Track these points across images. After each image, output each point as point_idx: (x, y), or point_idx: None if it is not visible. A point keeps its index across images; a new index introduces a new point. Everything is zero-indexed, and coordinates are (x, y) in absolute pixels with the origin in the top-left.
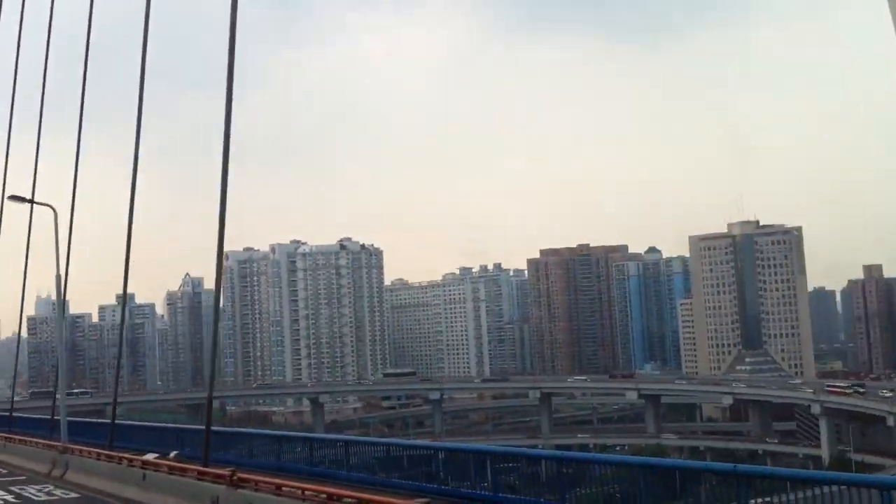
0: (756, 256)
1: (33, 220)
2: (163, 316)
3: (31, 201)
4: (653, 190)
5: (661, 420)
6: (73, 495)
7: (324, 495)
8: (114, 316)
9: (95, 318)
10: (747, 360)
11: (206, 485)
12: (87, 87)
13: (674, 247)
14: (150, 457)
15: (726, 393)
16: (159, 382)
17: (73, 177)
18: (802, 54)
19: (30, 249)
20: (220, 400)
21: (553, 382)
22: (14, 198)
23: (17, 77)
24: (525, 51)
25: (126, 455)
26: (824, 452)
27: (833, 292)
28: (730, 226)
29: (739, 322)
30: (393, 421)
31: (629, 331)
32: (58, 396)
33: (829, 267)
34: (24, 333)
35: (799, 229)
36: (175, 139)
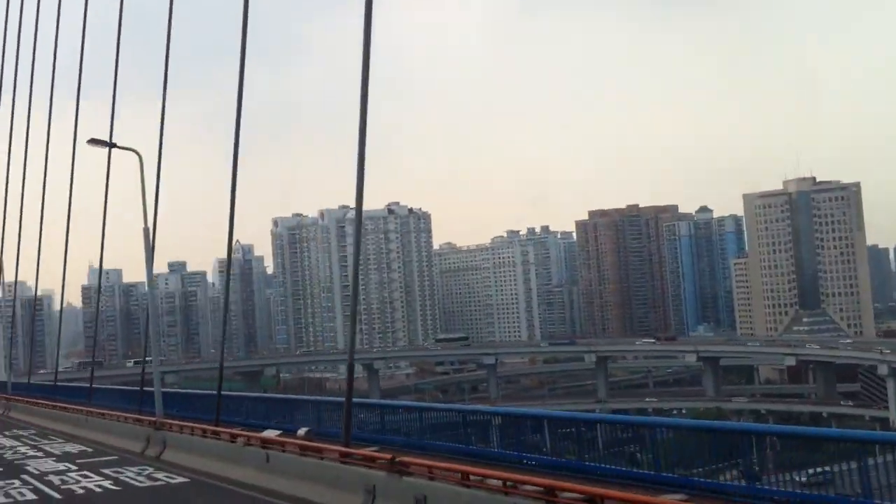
0: (813, 214)
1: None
2: (214, 284)
3: (113, 145)
4: (703, 149)
5: (720, 382)
6: (181, 479)
7: (538, 488)
8: (167, 284)
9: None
10: (805, 319)
11: (355, 470)
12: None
13: (725, 206)
14: (270, 434)
15: (788, 354)
16: (212, 350)
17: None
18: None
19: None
20: (274, 367)
21: (610, 346)
22: (95, 141)
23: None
24: (579, 11)
25: (240, 432)
26: (892, 414)
27: (886, 250)
28: (786, 183)
29: (796, 281)
30: (447, 386)
31: (681, 292)
32: (149, 361)
33: (882, 224)
34: (80, 303)
35: (857, 185)
36: (222, 106)
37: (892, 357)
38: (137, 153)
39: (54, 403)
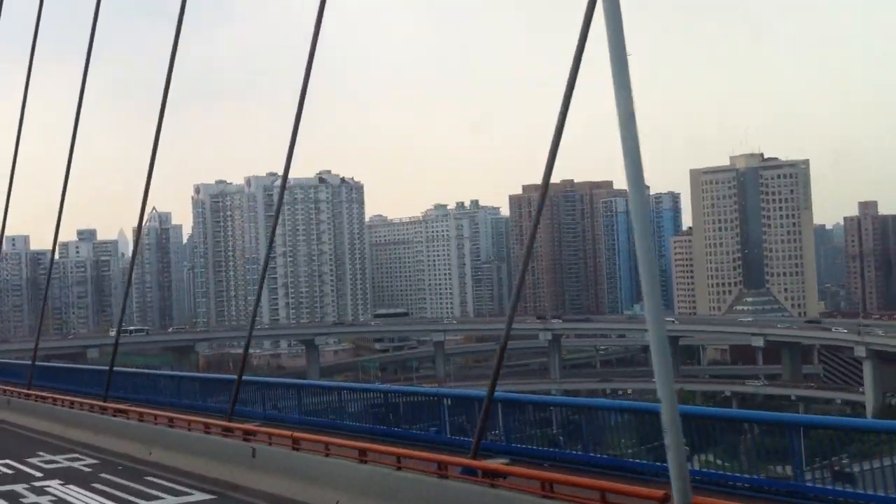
0: (760, 191)
1: None
2: (123, 254)
3: None
4: (642, 124)
5: (678, 363)
6: None
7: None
8: (77, 253)
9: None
10: (748, 299)
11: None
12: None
13: (666, 183)
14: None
15: (756, 334)
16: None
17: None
18: None
19: None
20: (206, 342)
21: (564, 325)
22: None
23: None
24: None
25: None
26: (868, 398)
27: (829, 230)
28: (733, 159)
29: (741, 260)
30: (386, 364)
31: (616, 270)
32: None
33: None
34: None
35: (806, 162)
36: (139, 70)
37: (870, 338)
38: None
39: None
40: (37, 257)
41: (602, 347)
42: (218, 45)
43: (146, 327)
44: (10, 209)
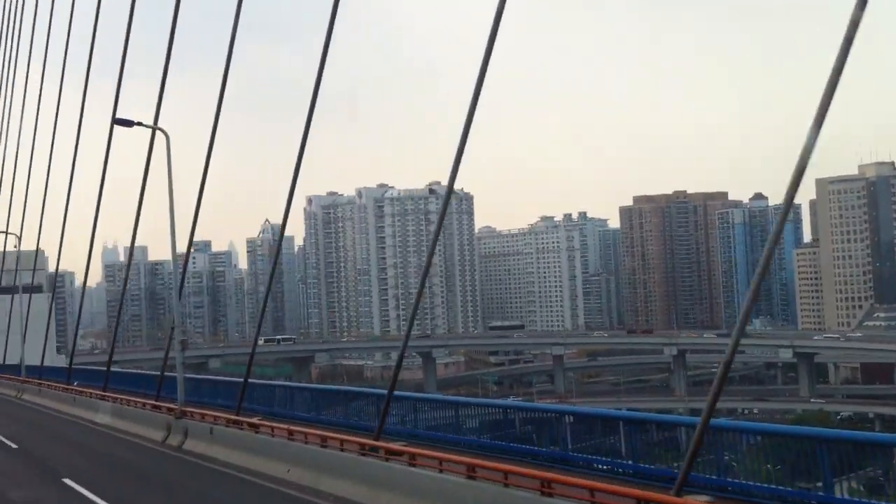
0: (893, 200)
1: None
2: (236, 265)
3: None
4: (754, 135)
5: (815, 381)
6: None
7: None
8: (194, 264)
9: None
10: (880, 314)
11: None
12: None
13: (780, 193)
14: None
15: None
16: (236, 334)
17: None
18: None
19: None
20: (326, 353)
21: (689, 339)
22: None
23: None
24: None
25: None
26: None
27: None
28: (862, 167)
29: (872, 273)
30: (501, 378)
31: (733, 283)
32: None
33: None
34: (101, 281)
35: None
36: (258, 87)
37: None
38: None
39: (67, 386)
40: (154, 268)
41: (714, 364)
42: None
43: (293, 336)
44: (129, 223)
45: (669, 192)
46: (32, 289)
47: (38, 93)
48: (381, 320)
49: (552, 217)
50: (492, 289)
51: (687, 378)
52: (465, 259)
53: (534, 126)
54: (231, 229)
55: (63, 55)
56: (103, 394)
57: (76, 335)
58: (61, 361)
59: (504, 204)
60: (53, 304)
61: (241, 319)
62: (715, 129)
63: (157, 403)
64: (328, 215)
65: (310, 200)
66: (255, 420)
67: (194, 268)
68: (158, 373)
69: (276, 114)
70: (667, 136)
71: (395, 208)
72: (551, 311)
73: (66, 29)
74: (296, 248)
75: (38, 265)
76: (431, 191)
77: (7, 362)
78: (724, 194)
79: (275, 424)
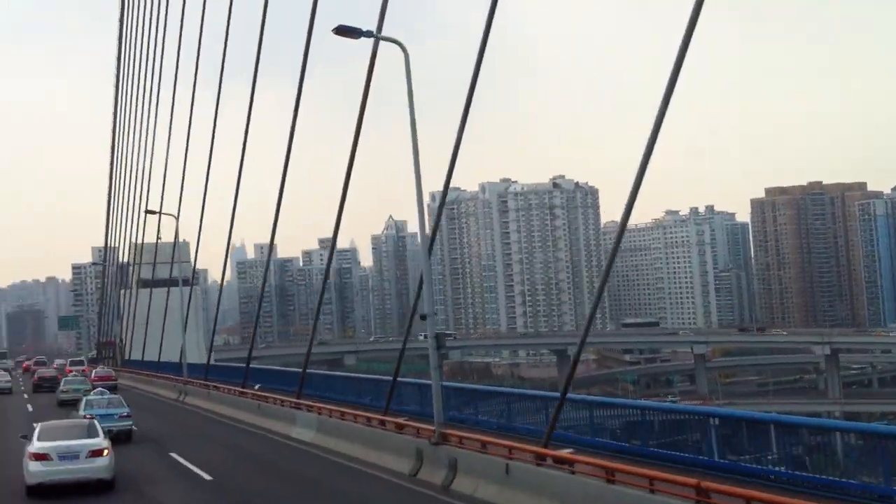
0: None
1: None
2: (360, 262)
3: None
4: (889, 123)
5: None
6: None
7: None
8: (321, 260)
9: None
10: None
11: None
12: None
13: None
14: None
15: None
16: (362, 331)
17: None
18: None
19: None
20: (460, 349)
21: (844, 336)
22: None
23: None
24: None
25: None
26: None
27: None
28: None
29: None
30: (636, 377)
31: (877, 279)
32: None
33: None
34: (232, 278)
35: None
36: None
37: None
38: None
39: (243, 390)
40: (284, 265)
41: (858, 365)
42: (449, 50)
43: (453, 332)
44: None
45: (803, 183)
46: (182, 282)
47: (171, 96)
48: (507, 317)
49: (677, 211)
50: (618, 285)
51: (840, 380)
52: (592, 255)
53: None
54: (355, 227)
55: (195, 58)
56: (297, 401)
57: (213, 332)
58: (218, 357)
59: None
60: (200, 298)
61: (366, 316)
62: (845, 118)
63: (383, 418)
64: (451, 211)
65: (433, 197)
66: (565, 454)
67: (321, 265)
68: (299, 370)
69: (400, 111)
70: (794, 125)
71: (519, 203)
72: (682, 309)
73: (198, 33)
74: (419, 244)
75: (182, 258)
76: (555, 185)
77: (146, 359)
78: (863, 185)
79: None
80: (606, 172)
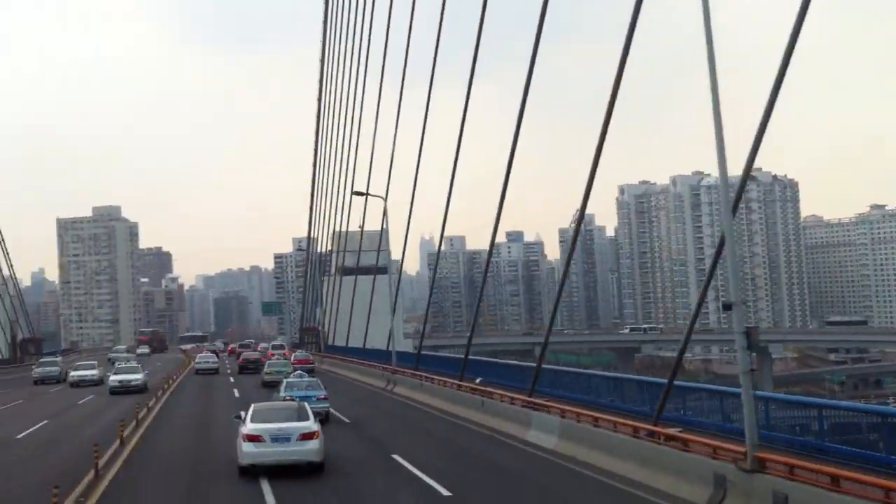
0: None
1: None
2: (546, 256)
3: None
4: None
5: None
6: None
7: None
8: (509, 253)
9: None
10: None
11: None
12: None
13: None
14: None
15: None
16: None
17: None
18: None
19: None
20: (652, 344)
21: None
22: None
23: None
24: None
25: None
26: None
27: None
28: None
29: None
30: (846, 378)
31: None
32: None
33: None
34: (420, 269)
35: None
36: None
37: None
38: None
39: (462, 383)
40: (472, 257)
41: None
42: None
43: (660, 326)
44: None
45: None
46: (378, 270)
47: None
48: (700, 312)
49: (884, 206)
50: (820, 281)
51: None
52: (791, 250)
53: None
54: (542, 220)
55: (404, 51)
56: (530, 399)
57: (426, 319)
58: (407, 346)
59: (828, 191)
60: (399, 286)
61: (560, 308)
62: None
63: (653, 428)
64: (641, 204)
65: (622, 190)
66: None
67: (510, 257)
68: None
69: (586, 105)
70: None
71: (713, 196)
72: (891, 306)
73: (408, 24)
74: (608, 237)
75: (384, 246)
76: (752, 177)
77: (349, 345)
78: None
79: None
80: (809, 163)
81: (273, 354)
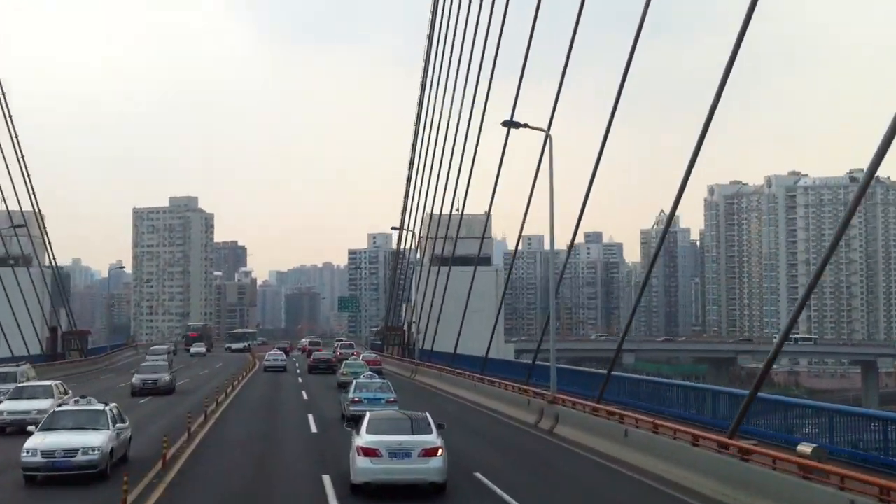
0: None
1: None
2: (624, 259)
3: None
4: None
5: None
6: None
7: None
8: (588, 254)
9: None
10: None
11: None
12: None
13: None
14: None
15: None
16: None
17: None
18: None
19: None
20: (749, 354)
21: None
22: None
23: None
24: None
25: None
26: None
27: None
28: None
29: None
30: None
31: None
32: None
33: None
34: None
35: None
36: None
37: None
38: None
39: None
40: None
41: None
42: (719, 43)
43: (814, 337)
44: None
45: None
46: (480, 260)
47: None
48: (789, 320)
49: None
50: None
51: None
52: (892, 257)
53: None
54: (624, 220)
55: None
56: (728, 439)
57: (550, 320)
58: (508, 352)
59: None
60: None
61: (638, 312)
62: None
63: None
64: (731, 206)
65: (711, 190)
66: None
67: (588, 258)
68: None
69: (677, 104)
70: None
71: (810, 198)
72: None
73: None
74: (691, 240)
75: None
76: (852, 178)
77: (441, 349)
78: None
79: None
80: None
81: (341, 354)
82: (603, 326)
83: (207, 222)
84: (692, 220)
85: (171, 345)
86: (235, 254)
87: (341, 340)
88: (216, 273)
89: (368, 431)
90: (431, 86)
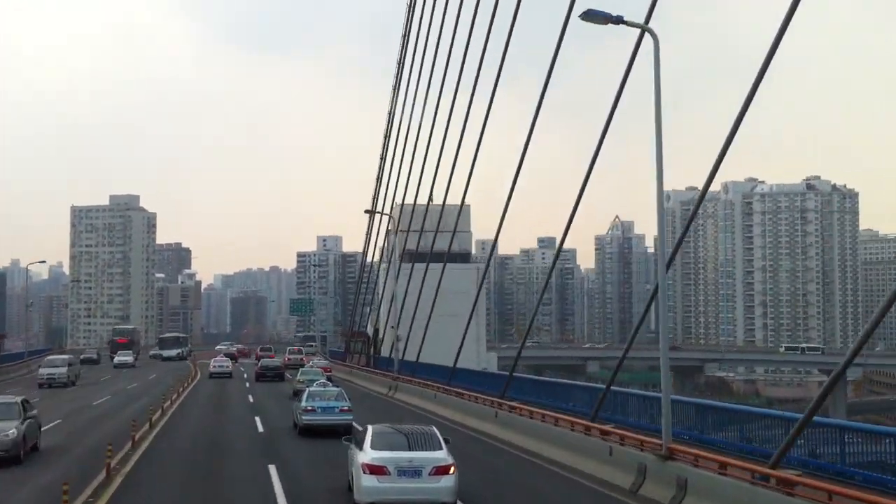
0: None
1: None
2: (579, 265)
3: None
4: None
5: None
6: None
7: None
8: (543, 259)
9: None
10: None
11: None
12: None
13: None
14: None
15: None
16: (580, 335)
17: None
18: None
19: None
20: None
21: None
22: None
23: None
24: None
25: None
26: None
27: None
28: None
29: None
30: None
31: None
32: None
33: None
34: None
35: None
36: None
37: None
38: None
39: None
40: (504, 262)
41: None
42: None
43: (821, 346)
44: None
45: None
46: (457, 256)
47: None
48: (744, 329)
49: None
50: (872, 300)
51: None
52: (847, 265)
53: None
54: (578, 226)
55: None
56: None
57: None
58: (489, 363)
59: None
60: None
61: (587, 318)
62: None
63: None
64: (687, 212)
65: (667, 196)
66: None
67: (544, 264)
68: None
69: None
70: None
71: (766, 205)
72: None
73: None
74: (646, 247)
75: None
76: (809, 186)
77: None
78: None
79: None
80: (870, 174)
81: (290, 360)
82: (558, 332)
83: (149, 222)
84: (647, 226)
85: (94, 352)
86: (179, 256)
87: (311, 346)
88: (158, 275)
89: (374, 447)
90: (409, 74)
